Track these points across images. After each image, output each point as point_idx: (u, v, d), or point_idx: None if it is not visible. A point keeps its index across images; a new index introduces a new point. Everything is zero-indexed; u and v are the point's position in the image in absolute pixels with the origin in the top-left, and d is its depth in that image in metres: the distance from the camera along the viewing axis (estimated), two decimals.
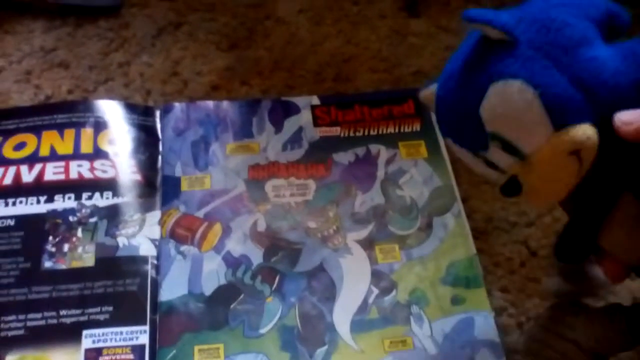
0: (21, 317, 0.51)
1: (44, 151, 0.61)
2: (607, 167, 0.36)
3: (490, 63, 0.35)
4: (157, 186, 0.60)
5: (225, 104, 0.66)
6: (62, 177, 0.59)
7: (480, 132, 0.36)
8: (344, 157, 0.63)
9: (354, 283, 0.55)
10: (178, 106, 0.66)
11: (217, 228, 0.57)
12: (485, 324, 0.52)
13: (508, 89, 0.34)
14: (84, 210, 0.57)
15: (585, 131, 0.34)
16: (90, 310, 0.52)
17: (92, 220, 0.57)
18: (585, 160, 0.35)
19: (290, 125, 0.65)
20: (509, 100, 0.34)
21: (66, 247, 0.55)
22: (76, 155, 0.61)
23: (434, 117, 0.44)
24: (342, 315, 0.53)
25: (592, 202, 0.39)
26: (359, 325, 0.53)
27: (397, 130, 0.64)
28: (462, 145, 0.38)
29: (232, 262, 0.55)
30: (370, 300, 0.54)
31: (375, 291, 0.54)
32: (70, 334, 0.51)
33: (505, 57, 0.34)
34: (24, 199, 0.58)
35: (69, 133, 0.62)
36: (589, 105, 0.34)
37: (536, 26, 0.35)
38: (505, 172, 0.37)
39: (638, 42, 0.35)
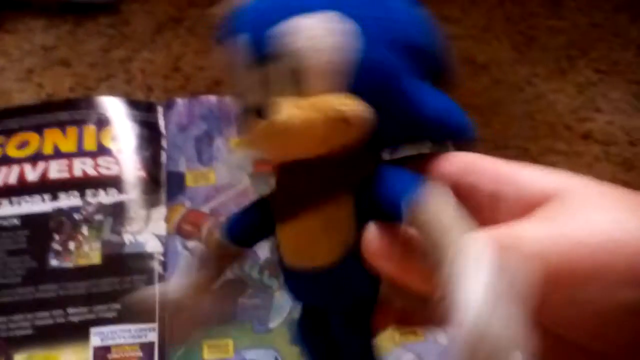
0: (29, 316, 0.51)
1: (48, 149, 0.60)
2: None
3: None
4: (161, 182, 0.60)
5: (228, 98, 0.66)
6: (66, 175, 0.59)
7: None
8: None
9: None
10: (180, 102, 0.65)
11: None
12: None
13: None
14: (89, 208, 0.57)
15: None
16: (98, 307, 0.52)
17: (98, 217, 0.56)
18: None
19: None
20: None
21: (72, 245, 0.55)
22: (80, 152, 0.60)
23: None
24: None
25: None
26: None
27: None
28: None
29: None
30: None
31: None
32: (78, 332, 0.50)
33: None
34: (28, 198, 0.57)
35: (72, 130, 0.62)
36: None
37: None
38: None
39: None
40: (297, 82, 0.27)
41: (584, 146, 0.66)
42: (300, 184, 0.28)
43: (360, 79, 0.26)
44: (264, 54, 0.27)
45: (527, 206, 0.24)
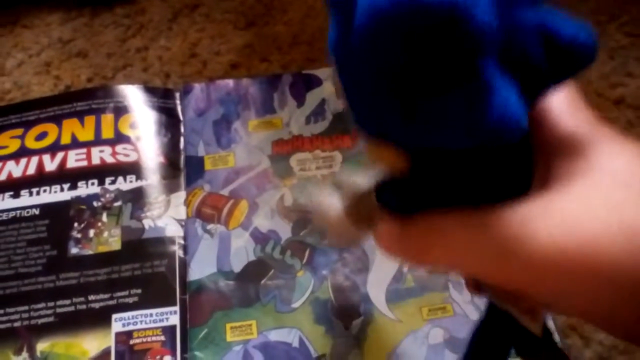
0: (50, 304, 0.50)
1: (65, 139, 0.60)
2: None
3: None
4: (180, 167, 0.59)
5: (245, 81, 0.65)
6: (84, 163, 0.58)
7: None
8: None
9: None
10: (198, 87, 0.65)
11: (243, 205, 0.56)
12: None
13: None
14: (107, 195, 0.56)
15: None
16: (119, 294, 0.51)
17: (117, 204, 0.56)
18: None
19: (313, 98, 0.63)
20: None
21: (92, 232, 0.54)
22: (97, 141, 0.60)
23: None
24: (376, 286, 0.51)
25: None
26: (395, 294, 0.51)
27: None
28: None
29: (260, 238, 0.54)
30: (405, 268, 0.52)
31: None
32: (100, 319, 0.50)
33: None
34: (47, 188, 0.57)
35: (90, 120, 0.61)
36: None
37: None
38: None
39: None
40: None
41: (616, 112, 0.63)
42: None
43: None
44: None
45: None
